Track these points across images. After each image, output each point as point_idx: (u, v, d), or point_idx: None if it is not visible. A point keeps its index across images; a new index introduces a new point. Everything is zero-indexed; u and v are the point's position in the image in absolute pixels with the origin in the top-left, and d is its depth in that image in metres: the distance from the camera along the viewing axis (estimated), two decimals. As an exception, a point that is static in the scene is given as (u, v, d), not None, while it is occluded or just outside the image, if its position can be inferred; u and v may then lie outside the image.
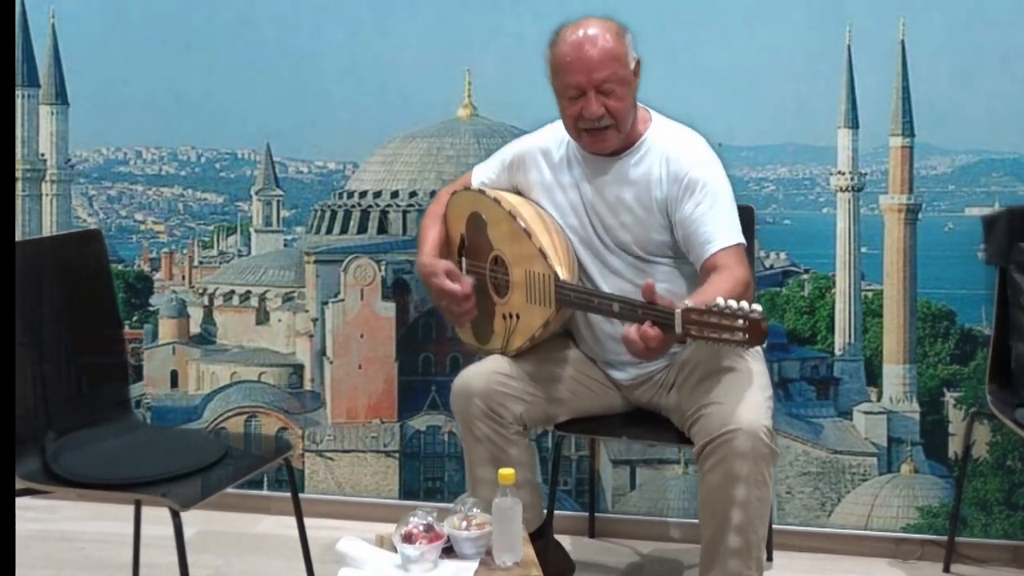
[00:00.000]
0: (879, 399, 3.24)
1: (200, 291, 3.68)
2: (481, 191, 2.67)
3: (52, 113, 3.61)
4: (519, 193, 2.66)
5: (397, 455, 3.51)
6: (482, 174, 2.73)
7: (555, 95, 2.47)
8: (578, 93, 2.40)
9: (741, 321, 2.04)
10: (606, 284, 2.51)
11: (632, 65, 2.43)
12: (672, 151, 2.48)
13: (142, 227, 3.78)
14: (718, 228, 2.42)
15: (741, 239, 2.45)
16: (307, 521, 2.58)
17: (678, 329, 2.11)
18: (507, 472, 2.15)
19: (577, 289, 2.44)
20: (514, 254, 2.55)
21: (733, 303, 2.05)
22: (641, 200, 2.49)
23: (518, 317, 2.56)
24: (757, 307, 2.05)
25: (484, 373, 2.55)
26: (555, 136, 2.62)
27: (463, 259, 2.69)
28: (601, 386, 2.64)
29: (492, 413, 2.52)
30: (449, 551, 2.14)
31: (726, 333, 2.06)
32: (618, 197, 2.50)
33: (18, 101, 3.57)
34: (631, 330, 2.20)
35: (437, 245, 2.67)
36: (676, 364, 2.56)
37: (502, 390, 2.53)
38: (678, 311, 2.11)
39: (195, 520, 2.38)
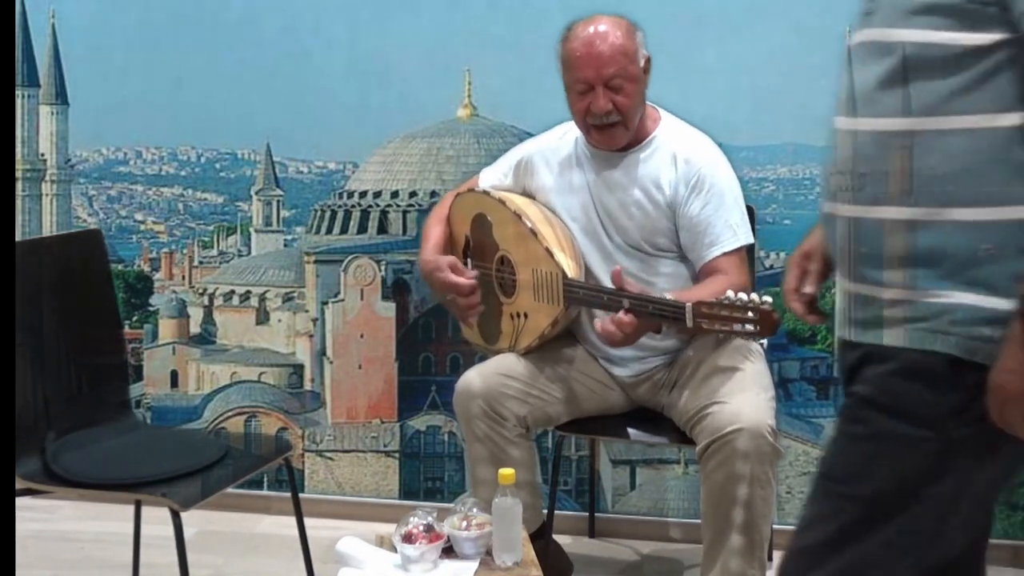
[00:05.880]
0: (879, 399, 3.23)
1: (200, 291, 3.68)
2: (486, 192, 2.67)
3: (52, 113, 3.60)
4: (528, 195, 2.66)
5: (397, 455, 3.50)
6: (490, 178, 2.73)
7: (565, 90, 2.49)
8: (586, 88, 2.42)
9: (751, 313, 2.07)
10: (608, 279, 2.51)
11: (642, 62, 2.45)
12: (681, 150, 2.49)
13: (142, 227, 3.77)
14: (722, 232, 2.44)
15: (748, 239, 2.49)
16: (307, 521, 2.58)
17: (689, 323, 2.15)
18: (507, 472, 2.16)
19: (586, 287, 2.44)
20: (521, 254, 2.55)
21: (743, 295, 2.09)
22: (649, 195, 2.49)
23: (526, 316, 2.57)
24: (767, 298, 2.09)
25: (486, 373, 2.56)
26: (563, 137, 2.63)
27: (468, 260, 2.69)
28: (602, 386, 2.63)
29: (493, 413, 2.52)
30: (449, 551, 2.14)
31: (737, 325, 2.10)
32: (626, 192, 2.51)
33: (18, 101, 3.56)
34: (605, 321, 2.30)
35: (440, 244, 2.67)
36: (678, 363, 2.56)
37: (503, 390, 2.53)
38: (689, 304, 2.15)
39: (195, 520, 2.39)
